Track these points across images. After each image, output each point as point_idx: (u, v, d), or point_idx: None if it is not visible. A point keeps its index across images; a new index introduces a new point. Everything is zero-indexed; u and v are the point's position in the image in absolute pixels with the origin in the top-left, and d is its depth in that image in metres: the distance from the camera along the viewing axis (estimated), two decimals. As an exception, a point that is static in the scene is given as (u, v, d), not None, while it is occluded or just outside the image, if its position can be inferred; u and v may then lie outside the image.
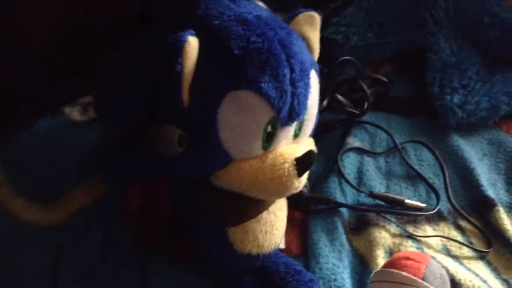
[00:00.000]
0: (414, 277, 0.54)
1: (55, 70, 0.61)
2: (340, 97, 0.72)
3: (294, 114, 0.50)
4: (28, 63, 0.60)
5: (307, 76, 0.51)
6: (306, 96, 0.51)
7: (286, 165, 0.50)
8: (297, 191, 0.52)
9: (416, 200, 0.71)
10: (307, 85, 0.51)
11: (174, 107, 0.48)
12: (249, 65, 0.47)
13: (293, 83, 0.49)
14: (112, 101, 0.53)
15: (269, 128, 0.49)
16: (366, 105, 0.74)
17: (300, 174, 0.50)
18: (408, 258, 0.56)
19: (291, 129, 0.51)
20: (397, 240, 0.66)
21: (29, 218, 0.58)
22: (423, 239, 0.67)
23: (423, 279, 0.54)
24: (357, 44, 0.83)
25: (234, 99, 0.47)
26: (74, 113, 0.64)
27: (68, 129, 0.63)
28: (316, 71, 0.53)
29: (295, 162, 0.50)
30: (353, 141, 0.76)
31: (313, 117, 0.54)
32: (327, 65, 0.75)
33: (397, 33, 0.86)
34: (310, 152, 0.51)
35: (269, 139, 0.50)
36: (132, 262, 0.59)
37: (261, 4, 0.55)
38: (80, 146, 0.62)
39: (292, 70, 0.49)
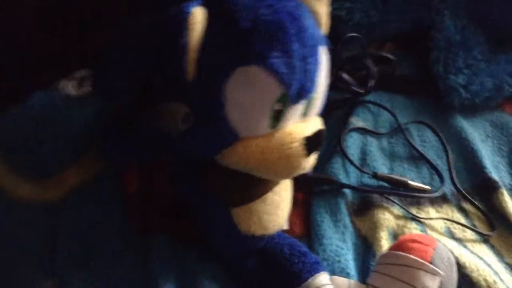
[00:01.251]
0: (422, 260, 0.53)
1: (51, 43, 0.58)
2: (345, 76, 0.70)
3: (304, 91, 0.48)
4: (22, 33, 0.57)
5: (317, 52, 0.48)
6: (316, 73, 0.48)
7: (295, 144, 0.48)
8: (305, 171, 0.50)
9: (420, 182, 0.70)
10: (317, 61, 0.48)
11: (179, 83, 0.46)
12: (257, 39, 0.44)
13: (303, 58, 0.46)
14: (111, 78, 0.51)
15: (278, 106, 0.47)
16: (371, 84, 0.72)
17: (309, 154, 0.49)
18: (415, 241, 0.55)
19: (300, 107, 0.49)
20: (400, 222, 0.65)
21: (23, 194, 0.56)
22: (426, 221, 0.66)
23: (430, 262, 0.53)
24: (361, 21, 0.80)
25: (242, 75, 0.45)
26: (69, 87, 0.61)
27: (63, 104, 0.60)
28: (325, 46, 0.51)
29: (304, 142, 0.48)
30: (357, 121, 0.74)
31: (322, 95, 0.52)
32: (331, 42, 0.73)
33: (401, 11, 0.83)
34: (319, 131, 0.49)
35: (277, 117, 0.48)
36: (131, 242, 0.57)
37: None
38: (75, 121, 0.60)
39: (302, 45, 0.46)
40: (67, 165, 0.58)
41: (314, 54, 0.48)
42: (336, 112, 0.75)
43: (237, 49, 0.45)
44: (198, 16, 0.43)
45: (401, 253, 0.54)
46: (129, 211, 0.59)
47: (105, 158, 0.57)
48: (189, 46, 0.43)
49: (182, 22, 0.43)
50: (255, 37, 0.44)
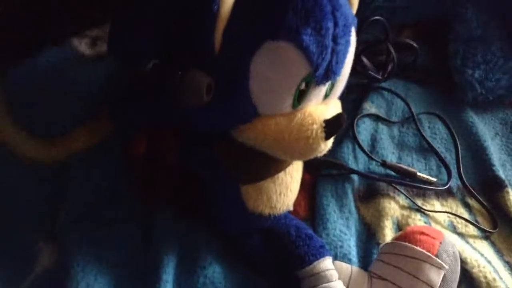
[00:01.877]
0: (428, 253, 0.53)
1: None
2: (365, 60, 0.69)
3: (331, 72, 0.46)
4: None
5: (349, 32, 0.47)
6: (345, 55, 0.47)
7: (315, 126, 0.47)
8: (322, 154, 0.49)
9: (427, 174, 0.69)
10: (348, 43, 0.47)
11: (203, 51, 0.44)
12: (291, 13, 0.42)
13: (335, 38, 0.45)
14: (128, 35, 0.48)
15: (303, 85, 0.46)
16: (390, 70, 0.71)
17: (328, 137, 0.47)
18: (422, 233, 0.55)
19: (324, 88, 0.48)
20: (405, 212, 0.65)
21: (28, 152, 0.54)
22: (431, 213, 0.66)
23: (436, 255, 0.53)
24: (382, 4, 0.78)
25: (271, 50, 0.43)
26: (82, 45, 0.59)
27: (75, 63, 0.58)
28: (355, 27, 0.49)
29: (323, 124, 0.47)
30: (370, 107, 0.73)
31: (345, 78, 0.51)
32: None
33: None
34: (340, 115, 0.48)
35: (300, 97, 0.46)
36: (135, 211, 0.56)
37: None
38: (86, 81, 0.57)
39: (336, 24, 0.44)
40: (75, 125, 0.56)
41: (345, 34, 0.46)
42: (351, 95, 0.73)
43: (268, 22, 0.43)
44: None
45: (407, 244, 0.54)
46: (134, 176, 0.57)
47: (115, 122, 0.55)
48: (219, 14, 0.41)
49: None
50: (289, 12, 0.42)
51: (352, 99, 0.74)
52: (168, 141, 0.56)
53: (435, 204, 0.67)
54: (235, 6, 0.42)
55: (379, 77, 0.72)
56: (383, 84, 0.75)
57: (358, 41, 0.50)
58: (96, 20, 0.60)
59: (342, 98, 0.55)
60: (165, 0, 0.45)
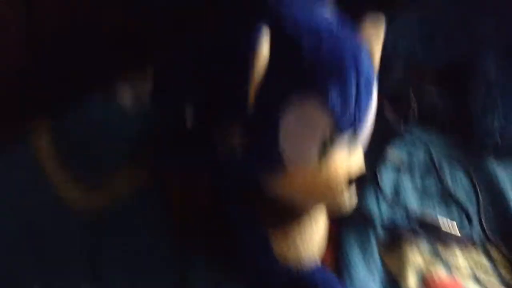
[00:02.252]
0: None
1: (113, 53, 0.59)
2: (386, 108, 0.70)
3: (355, 127, 0.48)
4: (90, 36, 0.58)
5: (371, 89, 0.49)
6: (368, 110, 0.49)
7: (340, 178, 0.48)
8: (347, 205, 0.50)
9: (448, 220, 0.69)
10: (370, 98, 0.49)
11: (237, 107, 0.46)
12: (318, 74, 0.45)
13: (358, 96, 0.47)
14: (168, 90, 0.53)
15: (328, 140, 0.47)
16: (411, 118, 0.72)
17: (352, 188, 0.49)
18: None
19: (348, 141, 0.50)
20: (428, 261, 0.65)
21: (74, 197, 0.57)
22: (453, 263, 0.66)
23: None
24: (403, 52, 0.80)
25: (298, 107, 0.45)
26: (126, 98, 0.62)
27: (118, 111, 0.62)
28: (376, 81, 0.51)
29: (348, 176, 0.49)
30: (392, 155, 0.74)
31: (368, 129, 0.52)
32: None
33: (445, 46, 0.83)
34: (364, 167, 0.49)
35: (325, 150, 0.48)
36: (170, 250, 0.58)
37: (330, 5, 0.52)
38: (129, 128, 0.61)
39: (359, 83, 0.47)
40: (118, 171, 0.59)
41: (368, 92, 0.48)
42: (372, 144, 0.74)
43: (297, 82, 0.45)
44: (265, 46, 0.44)
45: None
46: (172, 219, 0.59)
47: (154, 169, 0.58)
48: (254, 73, 0.44)
49: (251, 48, 0.43)
50: (316, 72, 0.45)
51: (374, 147, 0.74)
52: (202, 184, 0.58)
53: (457, 253, 0.67)
54: (268, 66, 0.45)
55: (401, 125, 0.73)
56: (405, 132, 0.76)
57: (380, 89, 0.52)
58: (138, 73, 0.63)
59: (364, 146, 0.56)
60: (204, 58, 0.48)
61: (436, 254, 0.66)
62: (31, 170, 0.57)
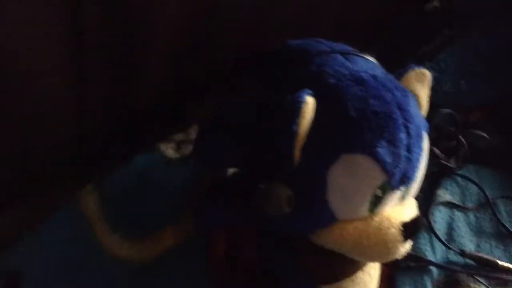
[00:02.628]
0: None
1: (157, 109, 0.62)
2: (436, 151, 0.70)
3: (406, 179, 0.48)
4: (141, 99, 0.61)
5: (422, 139, 0.49)
6: (419, 160, 0.49)
7: (393, 230, 0.48)
8: (401, 256, 0.50)
9: (507, 261, 0.67)
10: (420, 149, 0.49)
11: (283, 165, 0.47)
12: (366, 128, 0.45)
13: (408, 148, 0.47)
14: (212, 145, 0.54)
15: (379, 192, 0.47)
16: (462, 157, 0.71)
17: (406, 240, 0.48)
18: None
19: (400, 192, 0.50)
20: (488, 305, 0.63)
21: (122, 253, 0.59)
22: (515, 305, 0.64)
23: None
24: (449, 90, 0.80)
25: (347, 162, 0.46)
26: (169, 150, 0.65)
27: (163, 166, 0.64)
28: (427, 132, 0.51)
29: (401, 228, 0.48)
30: (444, 194, 0.73)
31: (420, 179, 0.52)
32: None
33: (490, 80, 0.82)
34: (417, 218, 0.49)
35: (377, 203, 0.48)
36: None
37: (373, 60, 0.53)
38: (173, 183, 0.63)
39: (408, 135, 0.47)
40: (164, 226, 0.60)
41: (418, 142, 0.48)
42: (423, 184, 0.74)
43: (345, 137, 0.46)
44: (310, 105, 0.45)
45: None
46: (215, 276, 0.60)
47: (197, 223, 0.59)
48: (299, 133, 0.45)
49: (296, 110, 0.44)
50: (364, 127, 0.45)
51: (425, 187, 0.73)
52: (248, 238, 0.59)
53: (519, 295, 0.65)
54: (313, 125, 0.46)
55: (451, 165, 0.73)
56: (456, 171, 0.75)
57: (428, 132, 0.52)
58: (181, 126, 0.66)
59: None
60: (245, 119, 0.49)
61: (497, 297, 0.64)
62: (79, 228, 0.59)
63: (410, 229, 0.48)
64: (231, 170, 0.61)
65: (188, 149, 0.65)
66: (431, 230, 0.68)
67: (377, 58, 0.83)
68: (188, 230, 0.60)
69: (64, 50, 0.51)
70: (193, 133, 0.61)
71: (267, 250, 0.56)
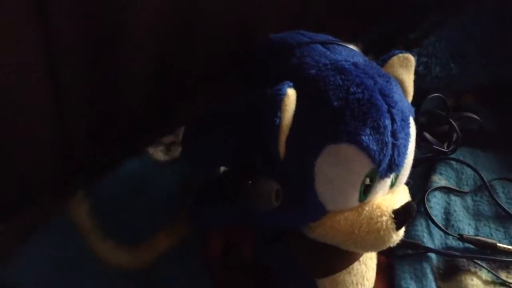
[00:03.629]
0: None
1: (144, 112, 0.62)
2: (428, 136, 0.69)
3: (394, 165, 0.47)
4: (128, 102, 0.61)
5: (408, 125, 0.48)
6: (406, 146, 0.48)
7: (384, 218, 0.48)
8: (394, 244, 0.49)
9: (507, 243, 0.67)
10: (407, 135, 0.48)
11: (269, 160, 0.47)
12: (349, 117, 0.45)
13: (394, 134, 0.46)
14: (199, 145, 0.54)
15: (367, 181, 0.47)
16: (454, 141, 0.71)
17: (398, 228, 0.48)
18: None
19: (389, 180, 0.49)
20: (489, 288, 0.63)
21: (115, 260, 0.58)
22: (518, 288, 0.63)
23: None
24: (439, 74, 0.79)
25: (333, 152, 0.45)
26: (158, 153, 0.64)
27: (152, 169, 0.63)
28: (413, 117, 0.51)
29: (393, 215, 0.48)
30: (439, 180, 0.72)
31: (409, 165, 0.52)
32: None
33: (480, 64, 0.81)
34: (409, 204, 0.49)
35: (366, 192, 0.48)
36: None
37: (354, 48, 0.53)
38: (164, 186, 0.62)
39: (393, 121, 0.46)
40: (158, 229, 0.60)
41: (404, 128, 0.47)
42: (417, 170, 0.73)
43: (328, 128, 0.45)
44: (291, 97, 0.44)
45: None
46: (212, 274, 0.59)
47: (192, 224, 0.59)
48: (282, 126, 0.44)
49: (277, 103, 0.44)
50: (347, 116, 0.45)
51: (419, 173, 0.73)
52: (243, 236, 0.58)
53: (521, 277, 0.64)
54: (296, 117, 0.45)
55: (445, 149, 0.72)
56: (450, 155, 0.75)
57: (419, 116, 0.51)
58: (169, 128, 0.65)
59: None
60: (232, 115, 0.49)
61: (497, 279, 0.63)
62: (72, 237, 0.58)
63: (402, 216, 0.48)
64: (222, 169, 0.61)
65: (178, 151, 0.64)
66: (428, 216, 0.68)
67: (365, 47, 0.83)
68: (181, 232, 0.60)
69: (37, 55, 0.50)
70: (181, 134, 0.60)
71: (262, 247, 0.56)
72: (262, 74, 0.51)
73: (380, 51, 0.57)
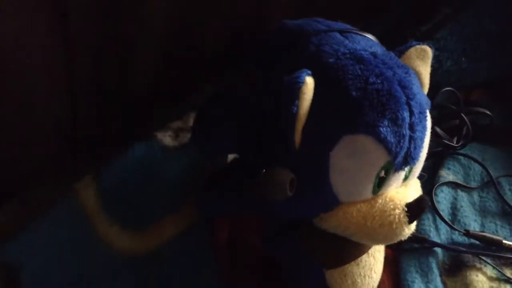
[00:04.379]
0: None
1: (153, 97, 0.61)
2: (438, 130, 0.69)
3: (410, 158, 0.47)
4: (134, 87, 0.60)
5: (425, 117, 0.48)
6: (422, 139, 0.48)
7: (397, 211, 0.47)
8: (405, 238, 0.49)
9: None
10: (424, 128, 0.48)
11: (284, 149, 0.46)
12: (367, 108, 0.44)
13: (411, 127, 0.46)
14: (210, 131, 0.53)
15: (382, 173, 0.46)
16: (464, 136, 0.70)
17: (411, 221, 0.47)
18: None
19: (403, 173, 0.49)
20: (494, 284, 0.63)
21: (121, 245, 0.57)
22: (522, 284, 0.63)
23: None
24: (450, 68, 0.79)
25: (349, 143, 0.45)
26: (166, 138, 0.63)
27: (160, 155, 0.62)
28: (429, 109, 0.50)
29: (406, 209, 0.47)
30: (447, 174, 0.72)
31: (423, 158, 0.51)
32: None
33: (492, 58, 0.81)
34: (422, 198, 0.48)
35: (380, 184, 0.47)
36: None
37: (372, 38, 0.52)
38: (171, 172, 0.61)
39: (411, 113, 0.46)
40: (164, 215, 0.59)
41: (421, 121, 0.47)
42: (426, 164, 0.72)
43: (346, 118, 0.44)
44: (310, 85, 0.44)
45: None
46: (218, 263, 0.59)
47: (200, 210, 0.58)
48: (299, 115, 0.44)
49: (295, 91, 0.43)
50: (365, 106, 0.44)
51: (427, 167, 0.72)
52: (251, 225, 0.58)
53: (526, 274, 0.64)
54: (313, 106, 0.44)
55: (454, 144, 0.71)
56: (459, 150, 0.74)
57: (430, 110, 0.50)
58: (178, 113, 0.64)
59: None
60: (246, 102, 0.48)
61: (502, 275, 0.63)
62: (78, 221, 0.57)
63: (414, 210, 0.47)
64: (231, 156, 0.60)
65: (186, 137, 0.63)
66: (435, 211, 0.67)
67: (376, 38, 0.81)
68: (188, 219, 0.59)
69: (50, 32, 0.49)
70: (190, 120, 0.59)
71: (269, 237, 0.55)
72: (277, 60, 0.50)
73: (392, 43, 0.56)
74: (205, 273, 0.58)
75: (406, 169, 0.49)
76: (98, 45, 0.54)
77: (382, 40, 0.79)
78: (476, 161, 0.74)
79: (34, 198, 0.57)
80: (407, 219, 0.47)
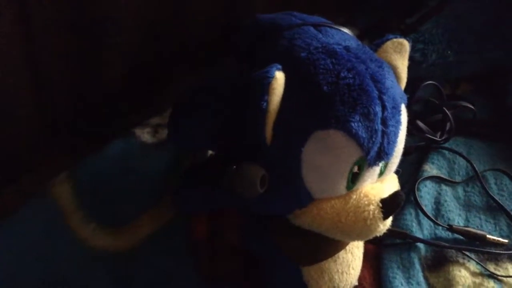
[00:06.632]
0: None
1: (130, 92, 0.60)
2: (420, 124, 0.68)
3: (383, 154, 0.46)
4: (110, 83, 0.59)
5: (399, 112, 0.47)
6: (396, 134, 0.47)
7: (371, 207, 0.47)
8: (381, 234, 0.48)
9: (497, 235, 0.66)
10: (398, 123, 0.47)
11: (255, 144, 0.45)
12: (338, 102, 0.43)
13: (384, 121, 0.45)
14: (185, 128, 0.52)
15: (355, 169, 0.46)
16: (448, 130, 0.70)
17: (385, 217, 0.47)
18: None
19: (378, 168, 0.48)
20: (477, 280, 0.62)
21: (98, 243, 0.57)
22: (505, 279, 0.62)
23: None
24: (435, 62, 0.78)
25: (321, 138, 0.44)
26: (145, 134, 0.63)
27: (138, 151, 0.62)
28: (405, 104, 0.49)
29: (380, 204, 0.47)
30: (431, 169, 0.71)
31: (400, 153, 0.50)
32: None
33: (477, 51, 0.80)
34: (397, 194, 0.47)
35: (354, 180, 0.47)
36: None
37: (347, 31, 0.51)
38: (150, 169, 0.61)
39: (384, 108, 0.45)
40: (142, 212, 0.58)
41: (395, 115, 0.46)
42: (409, 158, 0.72)
43: (317, 113, 0.44)
44: (280, 80, 0.43)
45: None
46: (197, 259, 0.58)
47: (178, 207, 0.58)
48: (269, 110, 0.43)
49: (264, 86, 0.42)
50: (336, 101, 0.43)
51: (411, 162, 0.72)
52: (228, 220, 0.57)
53: (509, 268, 0.64)
54: (284, 101, 0.44)
55: (437, 138, 0.71)
56: (443, 144, 0.73)
57: (413, 104, 0.50)
58: (155, 109, 0.64)
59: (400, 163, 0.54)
60: (219, 96, 0.47)
61: (486, 271, 0.62)
62: (52, 218, 0.57)
63: (389, 206, 0.47)
64: (210, 152, 0.59)
65: (165, 133, 0.62)
66: (418, 206, 0.67)
67: (361, 32, 0.81)
68: (166, 216, 0.59)
69: (15, 34, 0.48)
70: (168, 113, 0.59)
71: (247, 232, 0.55)
72: (249, 55, 0.50)
73: (376, 36, 0.55)
74: (183, 270, 0.58)
75: (381, 164, 0.48)
76: (68, 41, 0.53)
77: (366, 33, 0.79)
78: (460, 155, 0.73)
79: (7, 197, 0.56)
80: (382, 215, 0.47)
